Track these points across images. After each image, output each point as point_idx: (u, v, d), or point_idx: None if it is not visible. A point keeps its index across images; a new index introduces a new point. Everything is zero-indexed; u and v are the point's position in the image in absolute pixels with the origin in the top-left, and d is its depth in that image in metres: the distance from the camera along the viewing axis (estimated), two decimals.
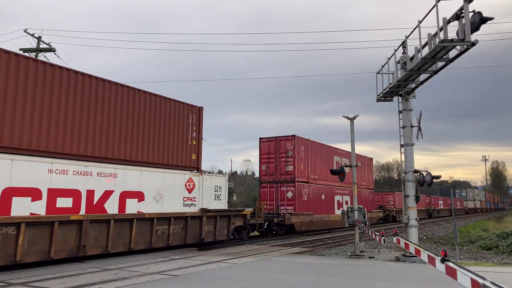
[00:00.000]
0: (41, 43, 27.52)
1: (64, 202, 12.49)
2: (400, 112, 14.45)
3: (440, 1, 10.86)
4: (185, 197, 16.91)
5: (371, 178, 37.68)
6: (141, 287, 9.02)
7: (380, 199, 46.76)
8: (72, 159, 12.97)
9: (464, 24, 10.30)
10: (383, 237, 11.46)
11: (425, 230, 33.58)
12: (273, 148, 26.88)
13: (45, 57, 27.72)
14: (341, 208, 30.35)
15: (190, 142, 17.71)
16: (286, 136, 26.58)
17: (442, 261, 5.98)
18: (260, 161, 27.30)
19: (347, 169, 24.71)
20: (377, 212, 38.62)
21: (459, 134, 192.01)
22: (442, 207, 68.06)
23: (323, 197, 29.03)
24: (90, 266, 11.99)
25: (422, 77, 13.40)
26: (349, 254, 15.53)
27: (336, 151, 31.72)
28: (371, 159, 38.38)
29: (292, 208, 25.40)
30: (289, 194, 25.78)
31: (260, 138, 27.44)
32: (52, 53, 28.00)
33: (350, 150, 29.00)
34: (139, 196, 15.03)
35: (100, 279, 9.87)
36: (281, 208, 25.67)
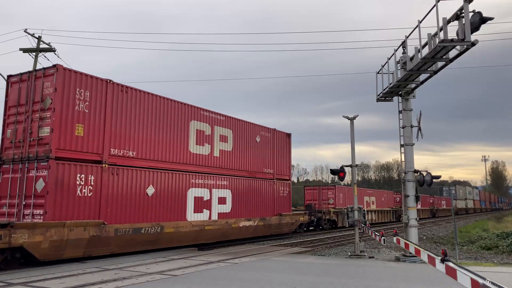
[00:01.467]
0: (41, 43, 27.52)
1: None
2: (400, 112, 14.45)
3: (440, 1, 10.87)
4: None
5: (286, 164, 24.85)
6: (141, 287, 9.02)
7: (316, 195, 34.73)
8: None
9: (464, 24, 10.31)
10: (383, 237, 11.46)
11: (425, 230, 33.56)
12: (25, 94, 13.80)
13: (45, 57, 27.75)
14: (205, 210, 18.21)
15: None
16: (45, 68, 13.68)
17: (442, 261, 5.98)
18: (4, 119, 14.40)
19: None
20: (296, 215, 25.58)
21: (459, 134, 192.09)
22: (419, 207, 55.31)
23: (150, 191, 15.53)
24: (90, 266, 11.99)
25: (422, 77, 13.40)
26: (349, 254, 15.54)
27: (198, 113, 18.42)
28: (289, 136, 25.28)
29: (42, 212, 12.52)
30: (40, 185, 12.81)
31: (8, 76, 14.40)
32: (52, 53, 28.00)
33: (231, 115, 20.57)
34: None
35: (100, 279, 9.87)
36: (25, 212, 12.93)
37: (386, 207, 44.22)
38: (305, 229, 28.65)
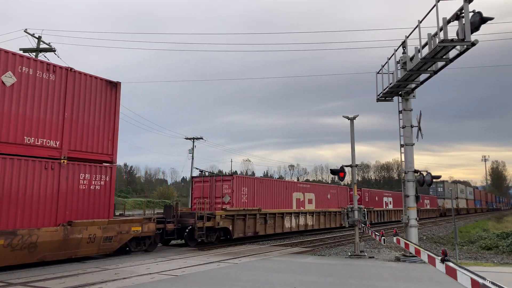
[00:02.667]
0: (41, 43, 27.52)
1: None
2: (400, 112, 14.46)
3: (440, 1, 10.87)
4: None
5: (104, 133, 14.88)
6: (141, 287, 9.02)
7: (207, 190, 22.46)
8: None
9: (464, 24, 10.30)
10: (383, 237, 11.46)
11: (425, 230, 33.57)
12: None
13: (45, 57, 27.73)
14: None
15: None
16: None
17: (442, 261, 5.98)
18: None
19: None
20: (120, 223, 14.75)
21: (459, 134, 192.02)
22: (390, 207, 43.32)
23: None
24: (90, 266, 12.00)
25: (422, 77, 13.40)
26: (349, 254, 15.55)
27: None
28: (113, 86, 15.30)
29: None
30: None
31: None
32: (52, 53, 28.01)
33: None
34: None
35: (100, 279, 9.87)
36: None
37: (333, 208, 31.65)
38: (160, 244, 17.83)
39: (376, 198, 41.22)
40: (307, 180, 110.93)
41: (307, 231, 28.24)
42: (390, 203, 43.07)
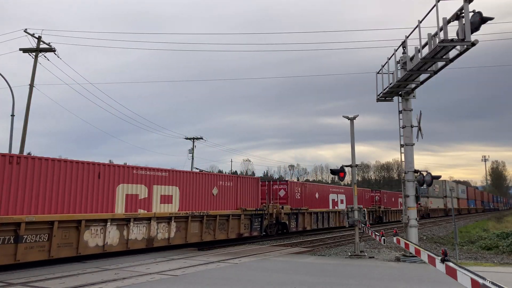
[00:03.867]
0: (41, 43, 27.50)
1: None
2: (400, 112, 14.46)
3: (440, 1, 10.86)
4: None
5: None
6: (141, 287, 9.02)
7: None
8: None
9: (464, 24, 10.30)
10: (383, 237, 11.46)
11: (425, 230, 33.56)
12: None
13: (45, 57, 27.72)
14: None
15: None
16: None
17: (442, 261, 5.98)
18: None
19: None
20: None
21: (459, 134, 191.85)
22: (340, 207, 33.95)
23: None
24: (90, 266, 12.00)
25: (422, 77, 13.40)
26: (349, 254, 15.55)
27: None
28: None
29: None
30: None
31: None
32: (52, 53, 27.97)
33: None
34: None
35: (100, 279, 9.87)
36: None
37: (226, 210, 20.15)
38: None
39: (317, 195, 30.82)
40: (307, 181, 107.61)
41: (151, 249, 16.32)
42: (342, 202, 32.60)
